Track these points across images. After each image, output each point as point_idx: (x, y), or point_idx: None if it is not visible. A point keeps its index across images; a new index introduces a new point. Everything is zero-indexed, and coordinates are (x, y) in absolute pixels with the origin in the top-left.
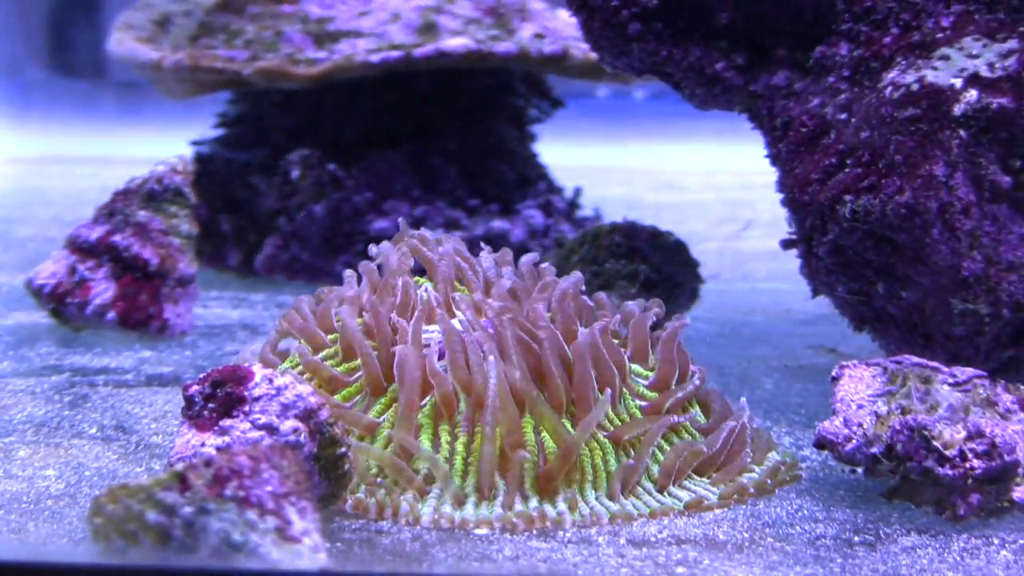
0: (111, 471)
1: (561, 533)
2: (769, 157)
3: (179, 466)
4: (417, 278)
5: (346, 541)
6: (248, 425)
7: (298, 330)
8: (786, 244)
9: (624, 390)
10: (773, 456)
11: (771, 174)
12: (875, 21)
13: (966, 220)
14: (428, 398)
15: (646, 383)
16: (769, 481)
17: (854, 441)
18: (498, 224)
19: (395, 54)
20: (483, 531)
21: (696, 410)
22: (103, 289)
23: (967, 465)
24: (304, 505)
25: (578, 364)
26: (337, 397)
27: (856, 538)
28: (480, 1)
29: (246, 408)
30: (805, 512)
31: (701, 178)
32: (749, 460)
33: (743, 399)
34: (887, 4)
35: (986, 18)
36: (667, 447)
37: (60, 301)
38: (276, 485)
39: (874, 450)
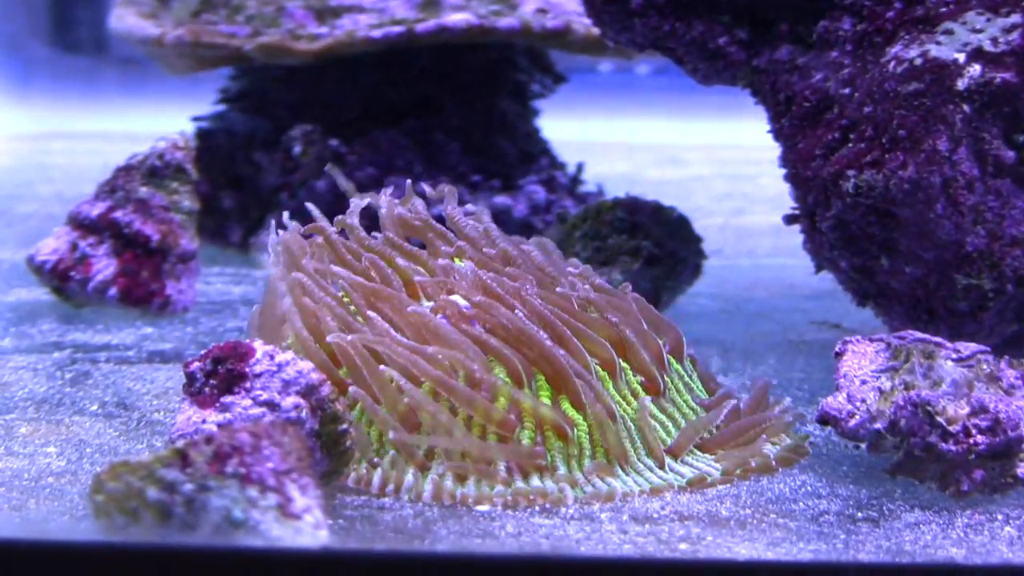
0: (112, 448)
1: (563, 510)
2: (772, 132)
3: (180, 443)
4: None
5: (348, 518)
6: (249, 402)
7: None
8: (789, 219)
9: (625, 365)
10: (785, 438)
11: (774, 149)
12: None
13: (969, 195)
14: None
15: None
16: (774, 461)
17: (857, 417)
18: (501, 200)
19: (397, 29)
20: (485, 507)
21: (698, 384)
22: (104, 265)
23: (971, 441)
24: (305, 482)
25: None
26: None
27: (859, 514)
28: None
29: (247, 385)
30: (808, 488)
31: (704, 153)
32: (763, 442)
33: (786, 399)
34: None
35: None
36: (662, 417)
37: (62, 278)
38: (277, 462)
39: (877, 426)
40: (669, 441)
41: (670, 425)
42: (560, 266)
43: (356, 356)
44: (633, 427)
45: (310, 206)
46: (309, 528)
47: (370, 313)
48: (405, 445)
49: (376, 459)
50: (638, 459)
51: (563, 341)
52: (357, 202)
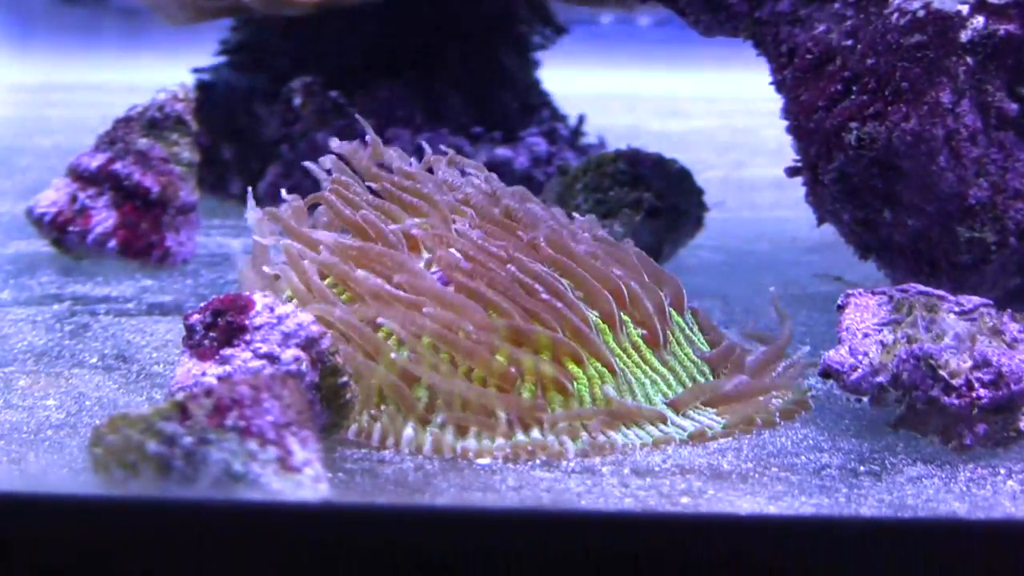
0: (112, 400)
1: (564, 463)
2: (774, 84)
3: (179, 396)
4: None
5: (348, 471)
6: (249, 354)
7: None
8: (791, 172)
9: (626, 317)
10: (787, 392)
11: (776, 101)
12: None
13: (972, 147)
14: None
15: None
16: (777, 417)
17: (859, 370)
18: (501, 152)
19: None
20: (486, 461)
21: (699, 336)
22: (104, 217)
23: (973, 394)
24: (305, 435)
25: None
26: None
27: (861, 468)
28: None
29: (247, 337)
30: (810, 442)
31: (706, 105)
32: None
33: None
34: None
35: None
36: (663, 370)
37: (61, 230)
38: (277, 415)
39: (880, 379)
40: (670, 394)
41: (671, 378)
42: (561, 218)
43: (351, 317)
44: (634, 380)
45: (310, 165)
46: (309, 481)
47: (360, 272)
48: (404, 397)
49: (376, 411)
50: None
51: (559, 296)
52: (337, 145)
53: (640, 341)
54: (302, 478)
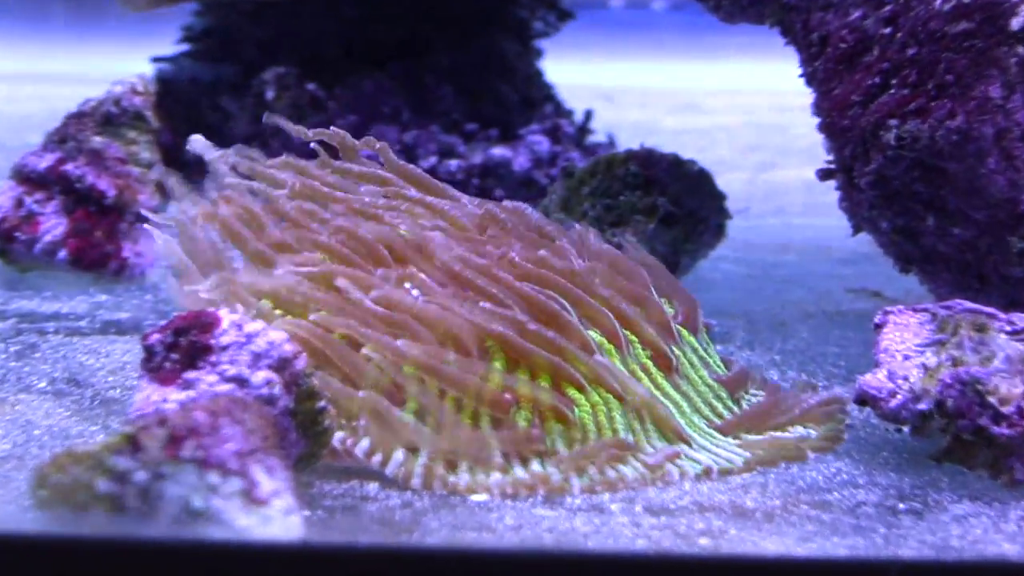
0: (63, 430)
1: (568, 500)
2: (804, 76)
3: (129, 427)
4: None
5: (327, 508)
6: (215, 377)
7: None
8: (823, 174)
9: (633, 337)
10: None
11: (806, 95)
12: None
13: None
14: None
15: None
16: (804, 446)
17: (899, 396)
18: (499, 151)
19: None
20: (481, 497)
21: (716, 358)
22: (54, 224)
23: None
24: (272, 463)
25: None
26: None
27: (901, 505)
28: None
29: (213, 358)
30: (844, 476)
31: (727, 99)
32: (786, 420)
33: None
34: None
35: None
36: (676, 396)
37: (6, 238)
38: (239, 442)
39: (922, 406)
40: (683, 422)
41: (685, 405)
42: (558, 227)
43: (325, 337)
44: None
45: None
46: (279, 515)
47: (340, 282)
48: (391, 426)
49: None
50: (647, 443)
51: (554, 318)
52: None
53: (650, 363)
54: (270, 511)
